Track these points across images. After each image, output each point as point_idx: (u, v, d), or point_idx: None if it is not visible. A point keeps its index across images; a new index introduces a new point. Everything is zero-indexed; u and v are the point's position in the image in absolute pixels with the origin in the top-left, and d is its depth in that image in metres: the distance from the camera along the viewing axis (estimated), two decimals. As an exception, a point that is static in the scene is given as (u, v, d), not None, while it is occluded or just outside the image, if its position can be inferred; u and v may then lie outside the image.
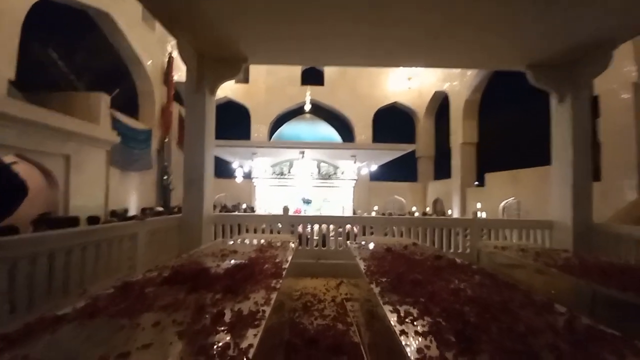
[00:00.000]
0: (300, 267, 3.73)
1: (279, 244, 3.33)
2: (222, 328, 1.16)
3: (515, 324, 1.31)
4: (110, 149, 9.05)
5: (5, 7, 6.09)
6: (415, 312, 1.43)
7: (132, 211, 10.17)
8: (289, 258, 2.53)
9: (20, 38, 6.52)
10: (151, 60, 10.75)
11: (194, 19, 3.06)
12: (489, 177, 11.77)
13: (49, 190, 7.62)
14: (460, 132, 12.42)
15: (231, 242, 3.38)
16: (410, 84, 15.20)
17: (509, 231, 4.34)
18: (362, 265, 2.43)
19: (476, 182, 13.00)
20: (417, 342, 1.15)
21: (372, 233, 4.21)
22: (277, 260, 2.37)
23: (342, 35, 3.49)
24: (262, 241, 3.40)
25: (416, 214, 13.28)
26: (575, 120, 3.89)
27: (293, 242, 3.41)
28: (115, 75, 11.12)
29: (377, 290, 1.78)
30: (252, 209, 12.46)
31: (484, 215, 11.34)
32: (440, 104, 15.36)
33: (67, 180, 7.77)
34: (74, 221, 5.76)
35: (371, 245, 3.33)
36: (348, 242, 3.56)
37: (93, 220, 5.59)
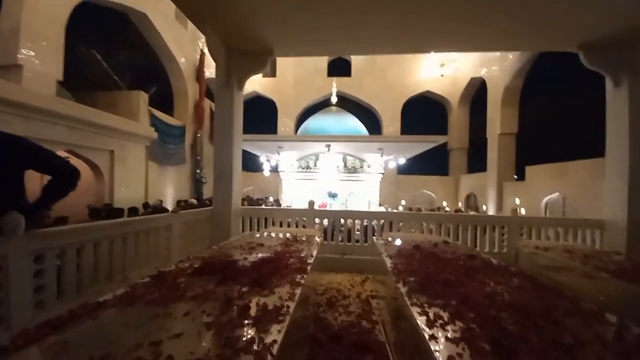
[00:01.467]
0: (325, 262, 3.74)
1: (304, 238, 3.36)
2: (248, 321, 1.18)
3: (559, 334, 1.19)
4: (149, 144, 9.67)
5: (50, 11, 6.62)
6: (445, 315, 1.35)
7: (168, 203, 10.85)
8: (314, 253, 2.53)
9: (69, 42, 7.11)
10: (184, 58, 11.23)
11: (222, 14, 3.11)
12: (530, 170, 10.88)
13: (96, 184, 8.35)
14: (498, 122, 11.55)
15: (258, 235, 3.47)
16: (443, 71, 14.33)
17: (552, 230, 3.98)
18: (388, 263, 2.36)
19: (515, 176, 12.11)
20: (448, 348, 1.08)
21: (399, 230, 4.09)
22: (302, 255, 2.38)
23: (371, 24, 3.34)
24: (288, 235, 3.44)
25: (447, 209, 12.72)
26: (633, 107, 3.41)
27: (318, 237, 3.42)
28: (152, 73, 11.77)
29: (404, 290, 1.71)
30: (278, 202, 12.76)
31: (522, 212, 10.57)
32: (476, 92, 14.38)
33: (111, 174, 8.44)
34: (120, 212, 6.28)
35: (398, 242, 3.24)
36: (374, 237, 3.49)
37: (133, 211, 6.05)
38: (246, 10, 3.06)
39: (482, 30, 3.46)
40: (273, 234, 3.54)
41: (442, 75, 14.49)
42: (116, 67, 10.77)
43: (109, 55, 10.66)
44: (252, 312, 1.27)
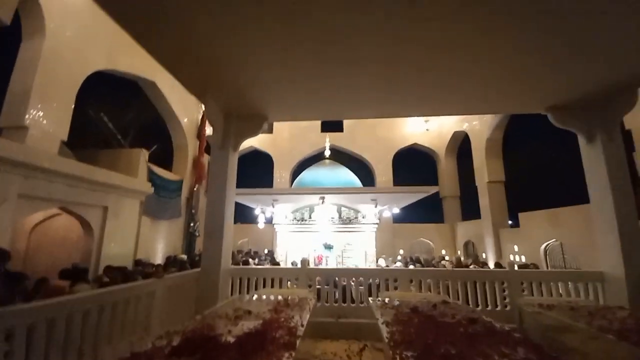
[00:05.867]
0: (319, 327, 3.48)
1: (296, 300, 3.19)
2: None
3: None
4: (144, 199, 9.66)
5: (65, 78, 7.18)
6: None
7: (158, 258, 10.43)
8: (305, 320, 2.38)
9: (78, 104, 7.59)
10: (187, 118, 11.95)
11: (221, 87, 3.43)
12: (524, 217, 10.92)
13: (85, 240, 8.08)
14: (485, 171, 12.00)
15: (247, 299, 3.29)
16: (427, 126, 15.41)
17: (553, 284, 3.85)
18: (384, 332, 2.22)
19: (510, 221, 12.11)
20: None
21: (396, 288, 3.91)
22: (292, 325, 2.23)
23: (358, 93, 3.70)
24: (280, 297, 3.27)
25: (446, 258, 12.32)
26: (609, 161, 3.60)
27: (311, 299, 3.25)
28: (155, 131, 12.40)
29: (400, 368, 1.58)
30: (272, 253, 12.35)
31: (522, 258, 10.29)
32: (461, 143, 15.20)
33: (102, 230, 8.23)
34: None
35: (396, 303, 3.08)
36: (370, 299, 3.32)
37: (120, 271, 5.76)
38: (243, 83, 3.40)
39: (457, 97, 3.83)
40: (264, 296, 3.36)
41: (427, 130, 15.54)
42: (121, 126, 11.38)
43: (115, 116, 11.35)
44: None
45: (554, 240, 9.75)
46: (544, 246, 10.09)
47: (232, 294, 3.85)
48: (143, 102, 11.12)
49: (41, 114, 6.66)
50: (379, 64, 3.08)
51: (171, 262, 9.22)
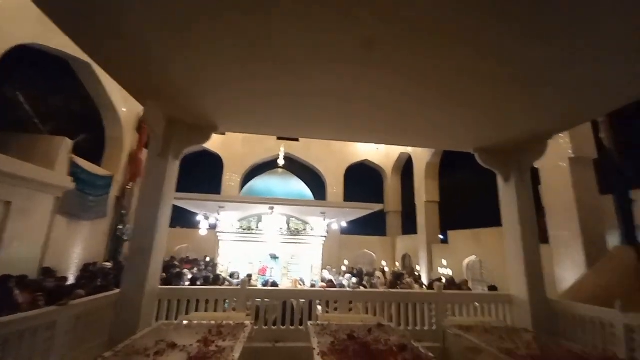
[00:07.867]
0: (255, 354, 3.32)
1: (231, 326, 3.01)
2: None
3: None
4: (62, 196, 8.29)
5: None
6: None
7: (71, 266, 8.98)
8: (237, 355, 2.24)
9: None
10: (126, 108, 10.68)
11: (165, 91, 3.12)
12: (452, 234, 12.21)
13: (-25, 241, 6.59)
14: (424, 191, 13.15)
15: (175, 324, 2.99)
16: (378, 146, 16.40)
17: (472, 305, 4.33)
18: (319, 365, 2.20)
19: (441, 236, 13.41)
20: None
21: (336, 309, 3.97)
22: (222, 363, 2.07)
23: (316, 114, 3.73)
24: (212, 322, 3.05)
25: (386, 270, 13.15)
26: (520, 200, 4.26)
27: (247, 324, 3.09)
28: (86, 121, 10.79)
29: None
30: (211, 264, 11.63)
31: (449, 272, 11.45)
32: (405, 164, 16.49)
33: (1, 230, 6.82)
34: None
35: (334, 328, 3.11)
36: (310, 322, 3.30)
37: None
38: (191, 91, 3.14)
39: (402, 131, 4.21)
40: (195, 322, 3.10)
41: (377, 149, 16.61)
42: (44, 111, 9.66)
43: (37, 97, 9.59)
44: None
45: (474, 256, 11.07)
46: (466, 261, 11.37)
47: (158, 319, 3.45)
48: (75, 86, 9.59)
49: None
50: (338, 85, 3.13)
51: (90, 272, 8.05)
